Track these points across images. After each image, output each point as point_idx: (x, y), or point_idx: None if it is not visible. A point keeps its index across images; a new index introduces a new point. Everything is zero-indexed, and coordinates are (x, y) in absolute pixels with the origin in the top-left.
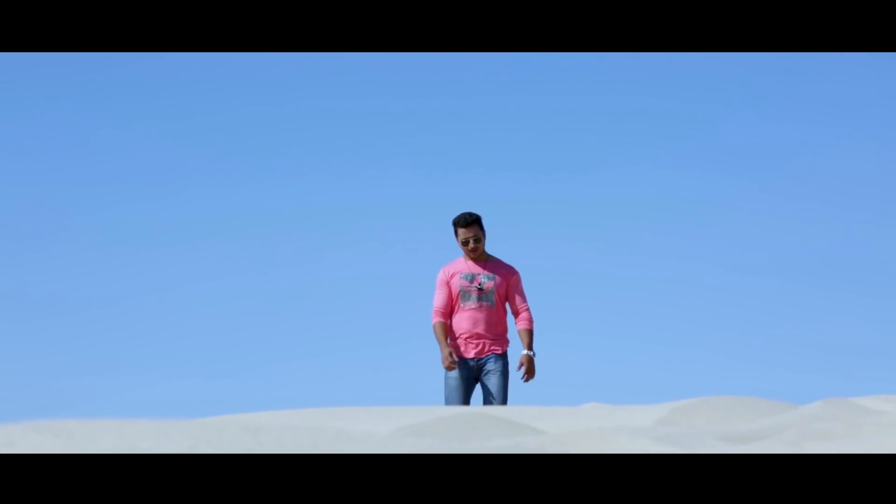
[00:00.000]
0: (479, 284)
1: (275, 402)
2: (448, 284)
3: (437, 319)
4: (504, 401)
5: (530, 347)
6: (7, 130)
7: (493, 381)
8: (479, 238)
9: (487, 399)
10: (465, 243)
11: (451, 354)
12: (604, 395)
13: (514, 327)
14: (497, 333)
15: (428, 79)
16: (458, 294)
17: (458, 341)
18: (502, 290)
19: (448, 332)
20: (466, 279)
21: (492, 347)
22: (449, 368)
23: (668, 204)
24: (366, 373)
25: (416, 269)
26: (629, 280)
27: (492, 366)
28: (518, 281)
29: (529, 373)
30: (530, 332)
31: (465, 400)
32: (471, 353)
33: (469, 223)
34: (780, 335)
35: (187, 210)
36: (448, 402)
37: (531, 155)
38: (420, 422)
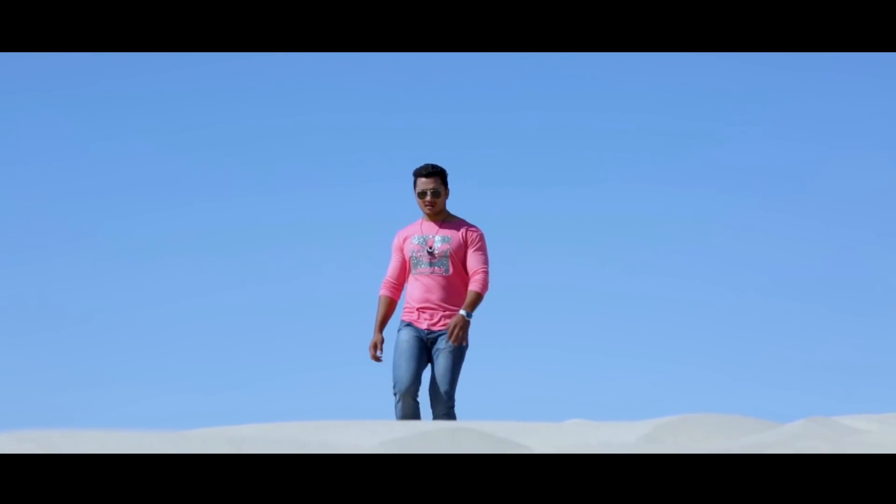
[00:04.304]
0: (431, 248)
1: (260, 416)
2: (401, 249)
3: (381, 292)
4: (450, 384)
5: (469, 308)
6: (3, 140)
7: (440, 363)
8: (439, 193)
9: (433, 381)
10: (421, 195)
11: (375, 346)
12: (587, 411)
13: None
14: (453, 305)
15: (427, 94)
16: (410, 259)
17: (411, 310)
18: (460, 254)
19: (390, 308)
20: (418, 242)
21: (445, 321)
22: (373, 359)
23: (662, 220)
24: (351, 387)
25: None
26: (615, 296)
27: (442, 344)
28: (477, 239)
29: (454, 333)
30: (477, 295)
31: (411, 361)
32: (423, 325)
33: (430, 173)
34: (765, 352)
35: (179, 223)
36: (395, 363)
37: (530, 170)
38: (404, 436)
